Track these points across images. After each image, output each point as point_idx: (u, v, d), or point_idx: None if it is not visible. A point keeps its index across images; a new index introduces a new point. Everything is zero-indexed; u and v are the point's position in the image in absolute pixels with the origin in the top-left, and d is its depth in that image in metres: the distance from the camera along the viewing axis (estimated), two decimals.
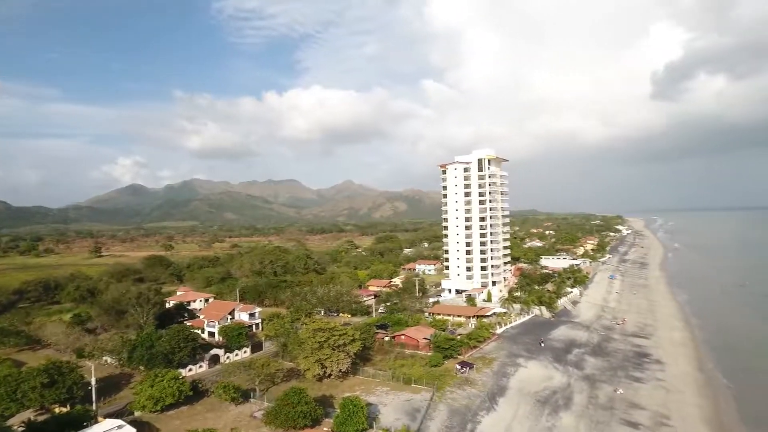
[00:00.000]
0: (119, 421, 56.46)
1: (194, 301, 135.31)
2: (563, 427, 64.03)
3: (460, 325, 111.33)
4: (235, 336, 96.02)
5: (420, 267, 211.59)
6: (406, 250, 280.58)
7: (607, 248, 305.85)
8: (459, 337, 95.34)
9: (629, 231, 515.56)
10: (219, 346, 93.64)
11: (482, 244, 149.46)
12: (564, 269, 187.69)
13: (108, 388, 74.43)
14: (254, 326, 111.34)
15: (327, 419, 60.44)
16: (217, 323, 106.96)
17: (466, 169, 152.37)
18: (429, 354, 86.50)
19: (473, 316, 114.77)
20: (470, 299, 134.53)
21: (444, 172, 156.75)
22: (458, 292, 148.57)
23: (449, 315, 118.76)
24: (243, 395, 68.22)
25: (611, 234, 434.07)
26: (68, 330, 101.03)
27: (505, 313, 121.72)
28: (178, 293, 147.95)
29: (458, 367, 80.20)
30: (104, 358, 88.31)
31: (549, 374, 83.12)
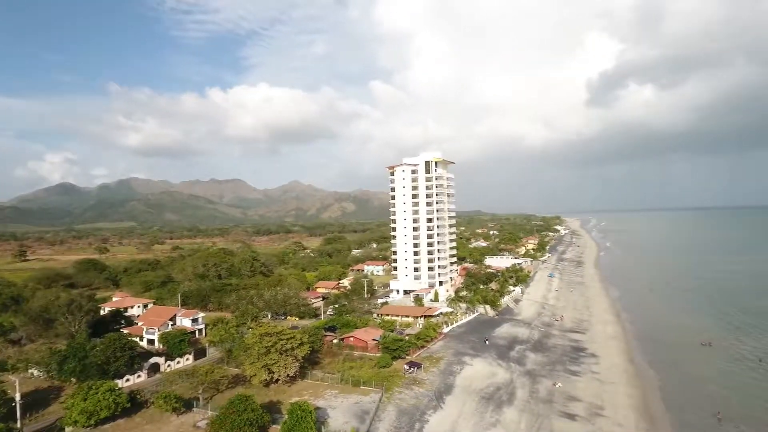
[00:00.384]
0: None
1: (132, 307, 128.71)
2: (507, 421, 66.37)
3: (408, 325, 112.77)
4: (177, 343, 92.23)
5: (368, 268, 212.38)
6: (355, 251, 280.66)
7: (547, 248, 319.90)
8: (407, 337, 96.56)
9: (567, 231, 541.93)
10: (159, 354, 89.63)
11: (429, 245, 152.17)
12: (507, 268, 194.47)
13: (35, 403, 69.29)
14: (197, 332, 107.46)
15: (274, 426, 59.43)
16: (157, 330, 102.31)
17: (413, 171, 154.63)
18: (378, 355, 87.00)
19: (421, 316, 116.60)
20: (418, 299, 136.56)
21: (392, 174, 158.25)
22: (406, 292, 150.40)
23: (398, 315, 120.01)
24: (185, 405, 65.70)
25: (550, 234, 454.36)
26: None
27: (451, 312, 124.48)
28: (114, 299, 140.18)
29: (406, 367, 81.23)
30: (30, 371, 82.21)
31: (493, 371, 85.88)
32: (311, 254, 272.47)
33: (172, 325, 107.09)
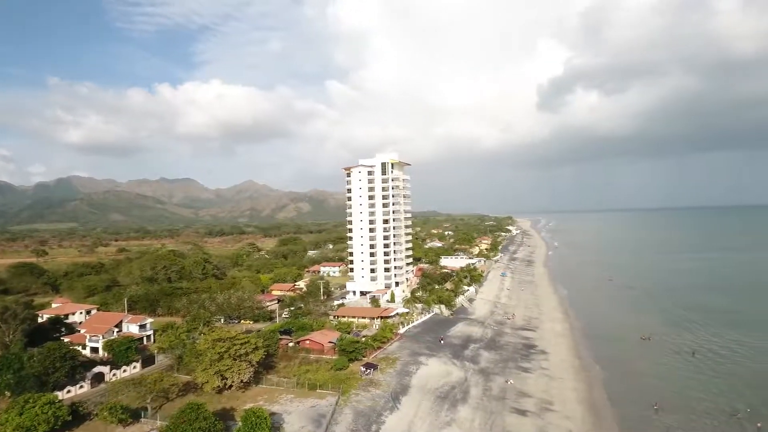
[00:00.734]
0: None
1: (73, 313, 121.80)
2: (461, 420, 67.82)
3: (364, 326, 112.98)
4: (123, 350, 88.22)
5: (325, 269, 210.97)
6: (311, 252, 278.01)
7: (499, 247, 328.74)
8: (364, 339, 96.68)
9: (518, 231, 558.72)
10: (104, 363, 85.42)
11: (386, 246, 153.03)
12: (461, 268, 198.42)
13: None
14: (145, 339, 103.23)
15: None
16: (101, 337, 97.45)
17: (370, 173, 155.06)
18: (334, 358, 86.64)
19: (377, 317, 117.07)
20: (374, 300, 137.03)
21: (348, 175, 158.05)
22: (363, 293, 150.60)
23: (354, 317, 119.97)
24: (133, 415, 62.99)
25: (503, 234, 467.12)
26: None
27: (407, 312, 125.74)
28: (54, 305, 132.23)
29: (363, 369, 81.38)
30: None
31: (448, 370, 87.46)
32: (266, 256, 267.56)
33: (117, 331, 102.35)
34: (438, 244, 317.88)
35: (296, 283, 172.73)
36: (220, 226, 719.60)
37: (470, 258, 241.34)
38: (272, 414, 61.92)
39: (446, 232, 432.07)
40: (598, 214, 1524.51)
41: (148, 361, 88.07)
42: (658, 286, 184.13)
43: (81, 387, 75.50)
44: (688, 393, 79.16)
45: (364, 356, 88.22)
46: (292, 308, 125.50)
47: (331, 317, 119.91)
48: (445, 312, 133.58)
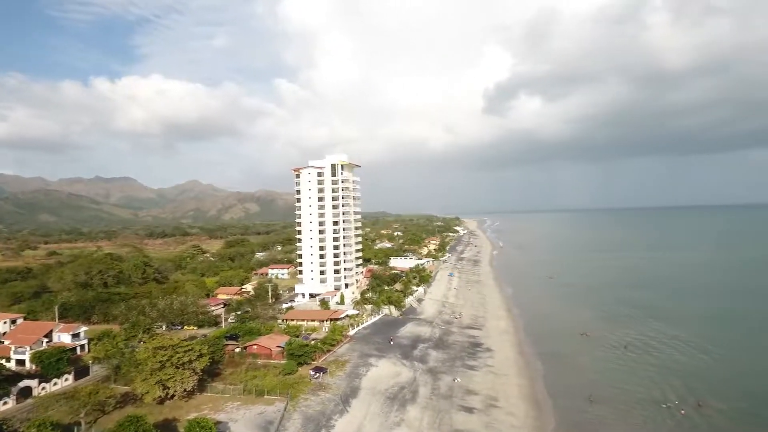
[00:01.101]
0: None
1: None
2: (410, 420, 68.73)
3: (314, 329, 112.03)
4: (54, 362, 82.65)
5: (273, 271, 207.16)
6: (258, 254, 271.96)
7: (447, 248, 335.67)
8: (313, 342, 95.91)
9: (465, 231, 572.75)
10: (31, 376, 79.65)
11: (335, 247, 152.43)
12: (410, 269, 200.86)
13: None
14: (79, 348, 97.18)
15: None
16: (28, 349, 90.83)
17: (319, 174, 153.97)
18: (283, 362, 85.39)
19: (327, 320, 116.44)
20: (324, 303, 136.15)
21: (297, 176, 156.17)
22: (312, 296, 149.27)
23: (303, 320, 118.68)
24: (65, 431, 59.25)
25: (450, 234, 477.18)
26: None
27: (357, 314, 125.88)
28: None
29: (312, 372, 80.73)
30: None
31: (397, 371, 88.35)
32: (211, 258, 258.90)
33: (47, 342, 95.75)
34: (388, 245, 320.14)
35: (243, 287, 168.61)
36: (161, 228, 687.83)
37: (419, 258, 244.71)
38: (217, 423, 60.24)
39: (396, 233, 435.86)
40: (540, 215, 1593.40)
41: (81, 372, 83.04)
42: (594, 283, 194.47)
43: (5, 403, 70.12)
44: (621, 384, 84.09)
45: (313, 360, 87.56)
46: (239, 312, 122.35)
47: (280, 321, 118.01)
48: (395, 313, 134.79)
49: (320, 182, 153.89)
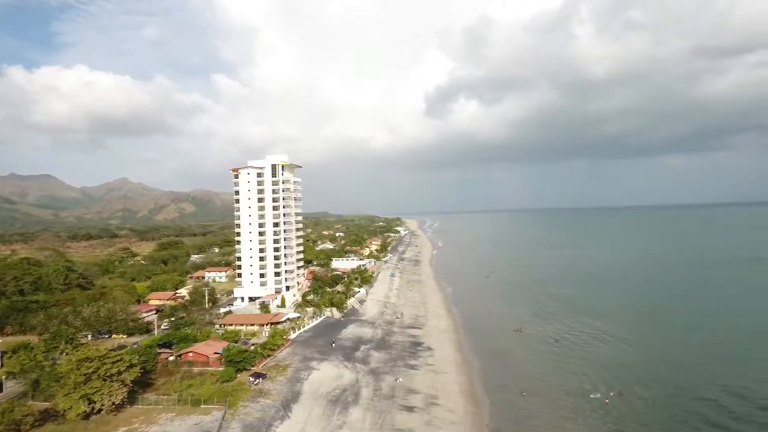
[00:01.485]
0: None
1: None
2: (352, 422, 68.82)
3: (253, 334, 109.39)
4: None
5: (210, 275, 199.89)
6: (194, 257, 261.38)
7: (389, 248, 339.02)
8: (253, 347, 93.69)
9: (406, 231, 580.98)
10: None
11: (276, 249, 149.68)
12: (352, 270, 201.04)
13: None
14: None
15: None
16: None
17: (259, 174, 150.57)
18: (220, 369, 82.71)
19: (267, 324, 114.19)
20: (264, 306, 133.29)
21: (236, 177, 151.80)
22: (251, 299, 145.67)
23: (242, 325, 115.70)
24: None
25: (392, 235, 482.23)
26: None
27: (298, 317, 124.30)
28: None
29: (251, 379, 78.83)
30: None
31: (340, 373, 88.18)
32: (142, 262, 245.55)
33: None
34: (329, 246, 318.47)
35: (178, 291, 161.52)
36: (86, 229, 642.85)
37: (361, 259, 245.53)
38: None
39: (338, 234, 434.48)
40: (478, 215, 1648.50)
41: None
42: (527, 281, 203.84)
43: None
44: (552, 377, 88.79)
45: (253, 365, 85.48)
46: (173, 319, 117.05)
47: (217, 326, 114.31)
48: (337, 314, 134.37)
49: (260, 183, 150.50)
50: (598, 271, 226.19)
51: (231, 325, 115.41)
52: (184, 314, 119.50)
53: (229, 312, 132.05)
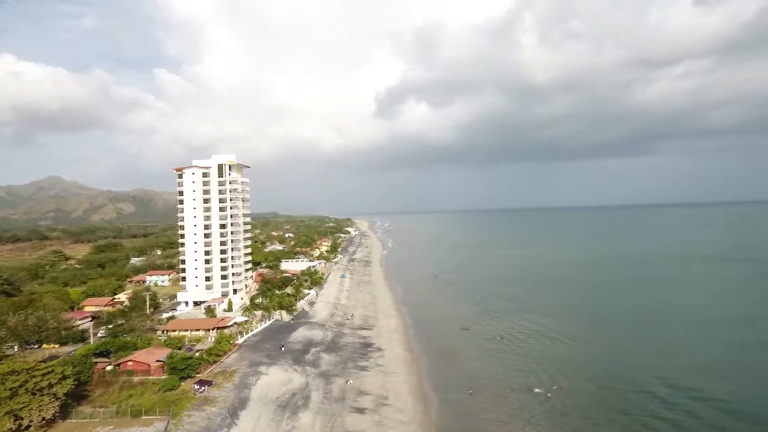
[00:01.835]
0: None
1: None
2: (302, 426, 68.10)
3: (199, 340, 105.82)
4: None
5: (151, 278, 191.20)
6: (134, 260, 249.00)
7: (339, 249, 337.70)
8: (198, 353, 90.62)
9: (357, 232, 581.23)
10: None
11: (222, 252, 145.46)
12: (302, 271, 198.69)
13: None
14: None
15: None
16: None
17: (205, 174, 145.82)
18: (163, 377, 79.45)
19: (213, 329, 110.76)
20: (210, 310, 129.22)
21: (180, 177, 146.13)
22: (196, 303, 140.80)
23: (187, 330, 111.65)
24: None
25: (342, 235, 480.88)
26: None
27: (246, 321, 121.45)
28: None
29: (196, 386, 76.25)
30: None
31: (289, 377, 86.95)
32: (77, 266, 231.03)
33: None
34: (279, 247, 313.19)
35: (116, 297, 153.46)
36: (12, 231, 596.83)
37: (311, 261, 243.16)
38: None
39: (287, 235, 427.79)
40: (427, 215, 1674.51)
41: None
42: (474, 280, 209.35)
43: None
44: (498, 374, 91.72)
45: (198, 372, 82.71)
46: (111, 326, 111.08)
47: (160, 333, 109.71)
48: (286, 317, 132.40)
49: (206, 183, 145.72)
50: (542, 270, 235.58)
51: (174, 330, 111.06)
52: (123, 321, 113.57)
53: (173, 317, 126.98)
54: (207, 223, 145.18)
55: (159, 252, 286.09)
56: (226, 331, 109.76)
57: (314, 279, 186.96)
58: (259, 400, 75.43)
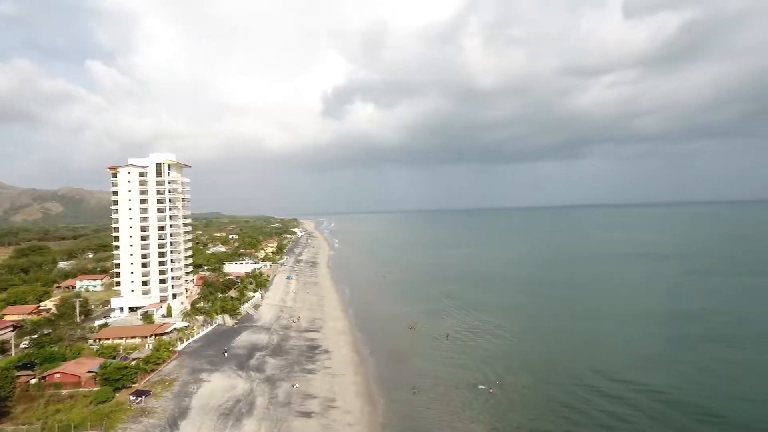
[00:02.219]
0: None
1: None
2: None
3: (135, 348, 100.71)
4: None
5: (82, 284, 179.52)
6: (62, 264, 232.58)
7: (285, 250, 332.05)
8: (134, 362, 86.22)
9: (303, 233, 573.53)
10: None
11: (161, 254, 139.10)
12: (247, 274, 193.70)
13: None
14: None
15: None
16: None
17: (142, 174, 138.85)
18: (95, 389, 74.99)
19: (151, 336, 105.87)
20: (147, 316, 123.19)
21: (114, 176, 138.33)
22: (132, 309, 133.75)
23: (121, 338, 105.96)
24: None
25: (288, 236, 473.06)
26: None
27: (187, 326, 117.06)
28: None
29: (132, 397, 72.56)
30: None
31: (233, 383, 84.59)
32: None
33: None
34: (222, 248, 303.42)
35: (42, 304, 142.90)
36: None
37: (256, 262, 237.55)
38: None
39: (231, 236, 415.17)
40: (374, 215, 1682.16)
41: None
42: (420, 279, 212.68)
43: None
44: (443, 372, 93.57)
45: (134, 383, 78.82)
46: (36, 336, 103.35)
47: (91, 341, 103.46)
48: (230, 322, 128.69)
49: (143, 183, 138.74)
50: (487, 269, 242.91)
51: (108, 339, 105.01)
52: (50, 330, 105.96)
53: (106, 325, 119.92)
54: (144, 224, 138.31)
55: (90, 255, 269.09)
56: (164, 337, 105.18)
57: (259, 281, 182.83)
58: (201, 408, 72.88)
